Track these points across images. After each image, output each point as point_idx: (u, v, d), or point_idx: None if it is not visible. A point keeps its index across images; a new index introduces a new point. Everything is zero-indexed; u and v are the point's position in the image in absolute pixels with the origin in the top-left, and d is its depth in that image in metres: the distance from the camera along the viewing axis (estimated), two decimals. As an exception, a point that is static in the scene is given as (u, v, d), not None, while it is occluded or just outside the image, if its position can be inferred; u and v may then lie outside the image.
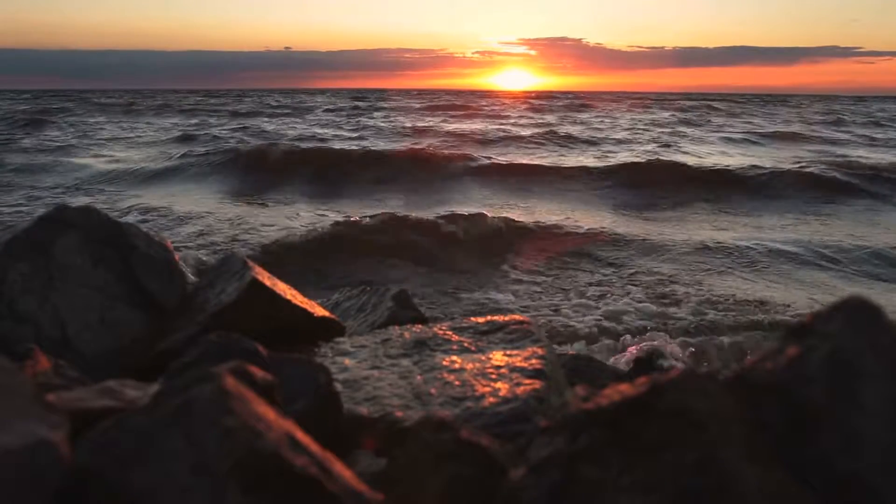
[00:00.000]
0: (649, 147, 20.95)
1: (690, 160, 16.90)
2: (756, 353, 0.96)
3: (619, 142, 22.70)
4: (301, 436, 0.84)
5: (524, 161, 16.54)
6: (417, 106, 45.45)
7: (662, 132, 26.69)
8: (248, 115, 34.84)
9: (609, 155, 18.62)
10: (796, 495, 0.80)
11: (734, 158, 18.30)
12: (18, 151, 18.64)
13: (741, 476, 0.77)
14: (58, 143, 20.94)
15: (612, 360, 4.92)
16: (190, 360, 1.29)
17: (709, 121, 34.66)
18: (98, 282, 1.93)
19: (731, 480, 0.76)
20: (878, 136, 27.33)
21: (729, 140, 24.12)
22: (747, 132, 26.78)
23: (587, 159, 17.46)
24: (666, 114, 40.33)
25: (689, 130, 28.05)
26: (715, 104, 56.72)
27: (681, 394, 0.84)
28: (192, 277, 2.23)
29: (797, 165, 15.88)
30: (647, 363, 3.30)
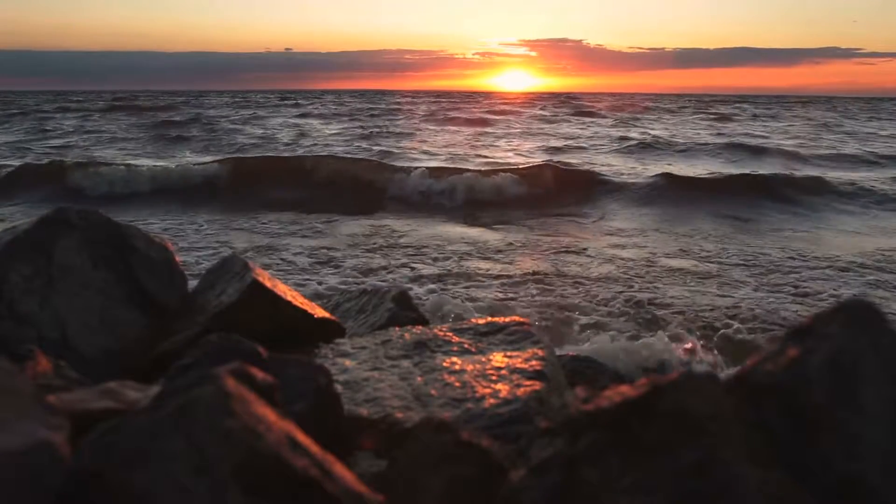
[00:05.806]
0: None
1: None
2: (757, 355, 0.96)
3: None
4: (301, 437, 0.84)
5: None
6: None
7: None
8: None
9: None
10: (796, 497, 0.80)
11: None
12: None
13: (741, 477, 0.77)
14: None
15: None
16: (190, 362, 1.29)
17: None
18: (98, 283, 1.93)
19: (732, 482, 0.76)
20: None
21: None
22: None
23: None
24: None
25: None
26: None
27: (681, 395, 0.84)
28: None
29: None
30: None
